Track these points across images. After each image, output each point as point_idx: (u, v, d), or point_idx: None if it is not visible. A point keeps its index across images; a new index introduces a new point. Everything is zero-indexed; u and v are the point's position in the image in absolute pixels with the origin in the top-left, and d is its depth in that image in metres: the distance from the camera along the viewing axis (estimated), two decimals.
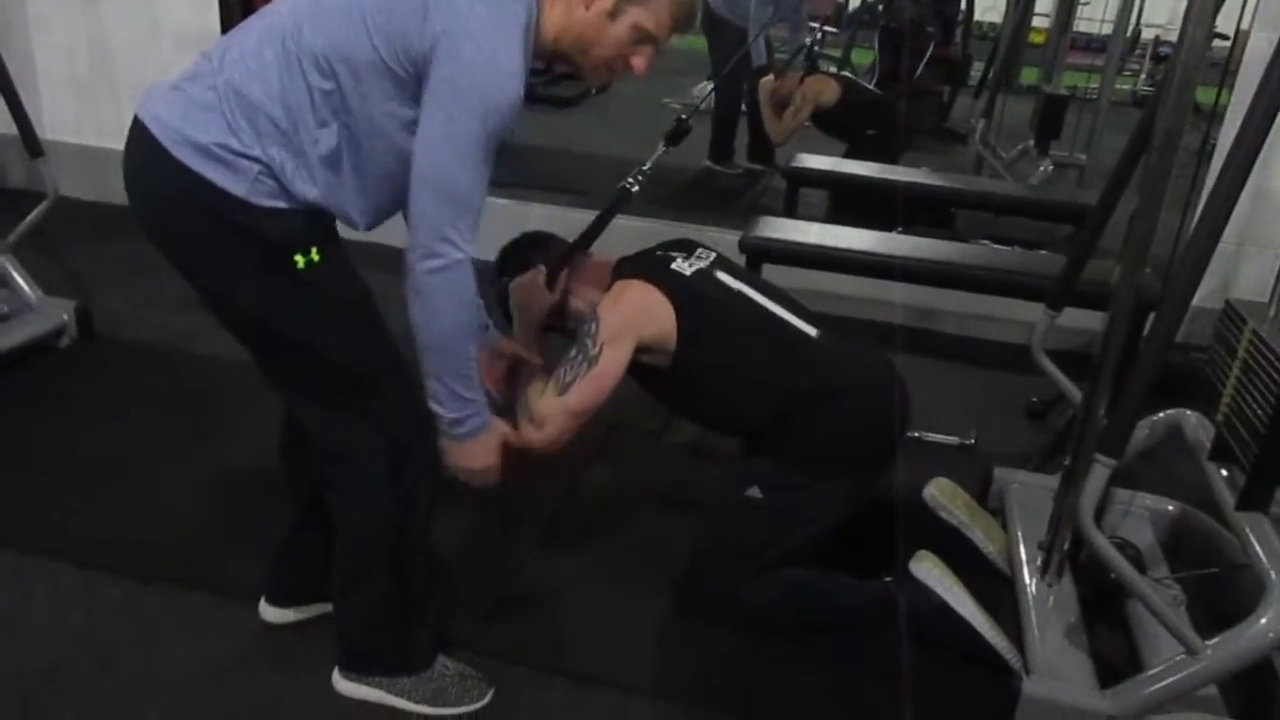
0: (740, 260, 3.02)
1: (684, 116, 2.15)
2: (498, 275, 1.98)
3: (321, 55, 1.38)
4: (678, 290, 1.87)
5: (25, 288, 2.87)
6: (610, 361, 1.78)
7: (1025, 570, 2.02)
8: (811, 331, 1.94)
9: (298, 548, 1.82)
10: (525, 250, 1.99)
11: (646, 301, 1.86)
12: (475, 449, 1.56)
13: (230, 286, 1.48)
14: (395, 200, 1.50)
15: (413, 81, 1.40)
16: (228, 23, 3.93)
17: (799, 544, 1.91)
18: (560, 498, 2.35)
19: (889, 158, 4.57)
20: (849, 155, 4.76)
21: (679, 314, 1.85)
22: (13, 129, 2.83)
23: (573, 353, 1.81)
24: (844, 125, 4.88)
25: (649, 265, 1.94)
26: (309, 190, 1.43)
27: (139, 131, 1.44)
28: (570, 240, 2.00)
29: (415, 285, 1.42)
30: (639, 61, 1.53)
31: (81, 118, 4.07)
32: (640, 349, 1.83)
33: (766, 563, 1.91)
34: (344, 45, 1.38)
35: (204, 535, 2.15)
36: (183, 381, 2.81)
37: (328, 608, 1.84)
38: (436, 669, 1.75)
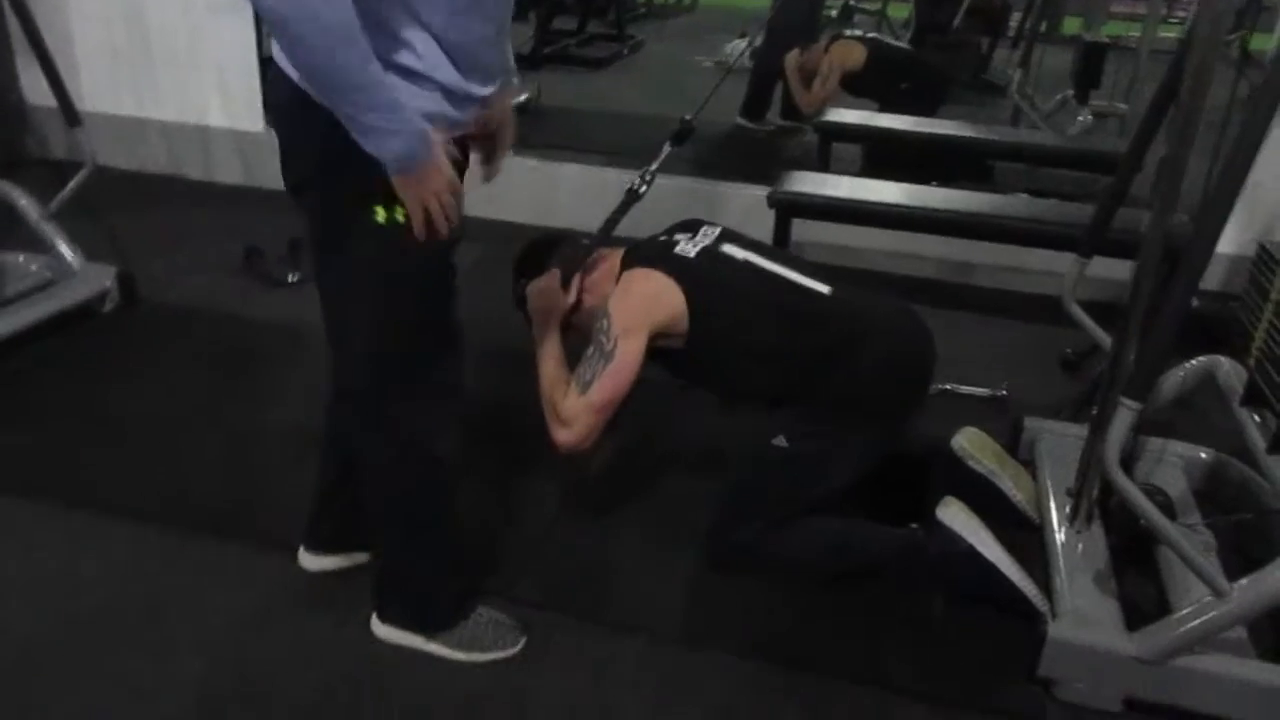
0: (769, 216, 3.02)
1: (687, 118, 2.14)
2: (514, 279, 2.01)
3: None
4: (683, 272, 1.90)
5: (68, 254, 2.95)
6: (626, 354, 1.81)
7: (1054, 517, 2.02)
8: (824, 289, 1.95)
9: (337, 496, 1.87)
10: (539, 254, 2.02)
11: (654, 289, 1.88)
12: (428, 169, 1.35)
13: (314, 208, 1.47)
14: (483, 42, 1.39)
15: None
16: None
17: (826, 493, 1.93)
18: (590, 450, 2.38)
19: (923, 112, 4.51)
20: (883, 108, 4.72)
21: (687, 296, 1.87)
22: (53, 101, 2.89)
23: (590, 350, 1.84)
24: (874, 85, 4.82)
25: (653, 252, 1.96)
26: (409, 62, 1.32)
27: (273, 66, 1.41)
28: (582, 238, 2.03)
29: (273, 18, 1.19)
30: None
31: (118, 88, 4.13)
32: (655, 335, 1.86)
33: (793, 512, 1.93)
34: None
35: (244, 488, 2.21)
36: (222, 343, 2.88)
37: (365, 556, 1.90)
38: (471, 616, 1.80)
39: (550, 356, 1.92)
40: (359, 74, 1.23)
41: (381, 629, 1.80)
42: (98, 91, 4.09)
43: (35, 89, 4.06)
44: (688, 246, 1.97)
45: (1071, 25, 6.61)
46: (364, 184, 1.36)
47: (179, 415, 2.50)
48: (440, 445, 1.62)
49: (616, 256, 2.02)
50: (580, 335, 1.97)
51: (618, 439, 2.14)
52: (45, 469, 2.27)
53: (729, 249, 1.98)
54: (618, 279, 1.95)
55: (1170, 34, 6.03)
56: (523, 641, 1.80)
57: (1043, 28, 5.34)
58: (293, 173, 1.47)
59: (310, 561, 1.94)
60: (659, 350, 1.90)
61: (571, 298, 1.96)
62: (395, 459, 1.63)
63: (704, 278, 1.92)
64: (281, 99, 1.40)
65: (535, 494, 2.24)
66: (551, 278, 1.95)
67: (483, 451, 2.21)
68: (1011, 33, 6.30)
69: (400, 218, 1.40)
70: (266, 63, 3.99)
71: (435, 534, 1.72)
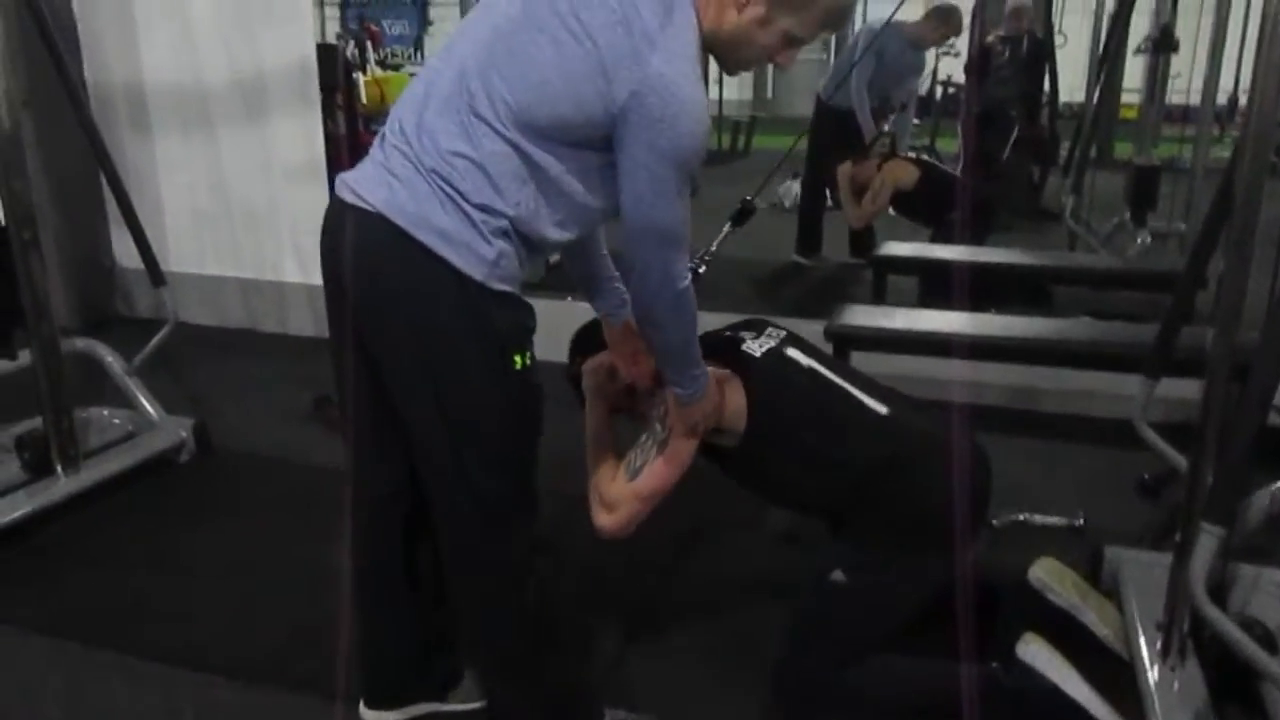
0: (827, 349, 3.03)
1: (749, 198, 2.18)
2: (570, 357, 2.00)
3: (510, 127, 1.42)
4: (747, 371, 1.87)
5: (148, 408, 3.07)
6: (680, 444, 1.79)
7: (1145, 653, 1.91)
8: (883, 409, 1.91)
9: (389, 646, 1.86)
10: (596, 333, 2.01)
11: (716, 384, 1.84)
12: (701, 406, 1.74)
13: (444, 370, 1.50)
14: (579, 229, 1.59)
15: (600, 135, 1.44)
16: (333, 157, 4.21)
17: (891, 626, 1.86)
18: (655, 589, 2.34)
19: (974, 240, 4.54)
20: (934, 239, 4.76)
21: (748, 395, 1.85)
22: (141, 263, 3.07)
23: (643, 437, 1.83)
24: (924, 208, 4.87)
25: (719, 346, 1.94)
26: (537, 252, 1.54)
27: (367, 216, 1.46)
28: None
29: (650, 317, 1.58)
30: (784, 59, 1.56)
31: (202, 249, 4.38)
32: (711, 430, 1.84)
33: (861, 648, 1.86)
34: (526, 115, 1.42)
35: (311, 638, 2.20)
36: (293, 490, 2.93)
37: (430, 707, 1.88)
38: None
39: (599, 437, 1.90)
40: (695, 343, 1.66)
41: None
42: (183, 253, 4.33)
43: (126, 253, 4.30)
44: (753, 345, 1.93)
45: (1123, 149, 6.66)
46: (503, 338, 1.50)
47: (247, 564, 2.52)
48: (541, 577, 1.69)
49: None
50: (633, 417, 1.95)
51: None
52: (114, 619, 2.29)
53: (793, 353, 1.95)
54: None
55: (1225, 153, 6.06)
56: None
57: (1093, 153, 5.39)
58: (407, 344, 1.50)
59: (372, 717, 1.90)
60: (711, 448, 1.87)
61: (627, 378, 1.94)
62: (516, 583, 1.66)
63: (767, 379, 1.88)
64: (408, 280, 1.45)
65: (598, 632, 2.19)
66: (607, 356, 1.93)
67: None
68: (1062, 160, 6.38)
69: (528, 360, 1.53)
70: None
71: (556, 646, 1.76)
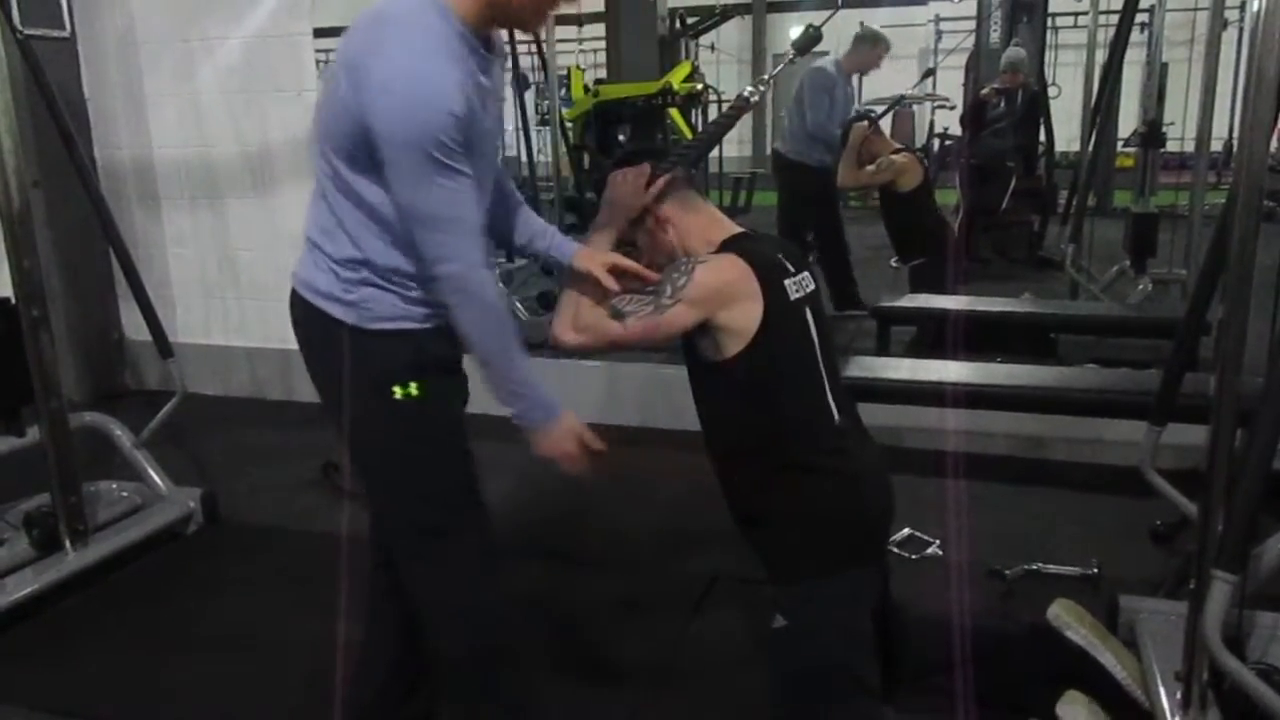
0: None
1: (814, 26, 2.01)
2: (611, 166, 1.97)
3: (327, 175, 1.56)
4: (775, 305, 1.78)
5: (156, 480, 3.07)
6: (675, 319, 1.73)
7: (1165, 704, 1.88)
8: (836, 415, 1.85)
9: (376, 690, 1.92)
10: (641, 155, 1.94)
11: (744, 292, 1.76)
12: (550, 436, 1.64)
13: (339, 406, 1.63)
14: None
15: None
16: None
17: (856, 657, 1.80)
18: (667, 651, 2.31)
19: (938, 286, 4.60)
20: (901, 263, 4.88)
21: (762, 326, 1.75)
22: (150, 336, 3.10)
23: (649, 289, 1.77)
24: (902, 216, 4.90)
25: (765, 263, 1.82)
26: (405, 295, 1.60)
27: (292, 291, 1.68)
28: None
29: (454, 316, 1.56)
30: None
31: (209, 320, 4.42)
32: (707, 327, 1.76)
33: (856, 688, 1.79)
34: (341, 154, 1.52)
35: (322, 709, 2.18)
36: (300, 559, 2.91)
37: None
38: None
39: (599, 248, 1.84)
40: (512, 349, 1.58)
41: None
42: (190, 324, 4.38)
43: (135, 326, 4.33)
44: (792, 286, 1.84)
45: (1123, 198, 6.72)
46: (384, 373, 1.59)
47: (255, 637, 2.50)
48: (496, 599, 1.72)
49: (724, 226, 1.89)
50: (638, 252, 1.89)
51: None
52: (120, 696, 2.27)
53: (809, 316, 1.86)
54: (714, 243, 1.85)
55: (1222, 200, 6.11)
56: None
57: (1092, 202, 5.44)
58: (319, 377, 1.69)
59: None
60: (692, 347, 1.81)
61: (649, 199, 1.86)
62: (453, 618, 1.71)
63: (783, 324, 1.79)
64: (308, 334, 1.66)
65: (608, 696, 2.16)
66: (640, 171, 1.86)
67: (555, 652, 2.17)
68: (1060, 209, 6.44)
69: (414, 392, 1.60)
70: None
71: (507, 693, 1.74)
